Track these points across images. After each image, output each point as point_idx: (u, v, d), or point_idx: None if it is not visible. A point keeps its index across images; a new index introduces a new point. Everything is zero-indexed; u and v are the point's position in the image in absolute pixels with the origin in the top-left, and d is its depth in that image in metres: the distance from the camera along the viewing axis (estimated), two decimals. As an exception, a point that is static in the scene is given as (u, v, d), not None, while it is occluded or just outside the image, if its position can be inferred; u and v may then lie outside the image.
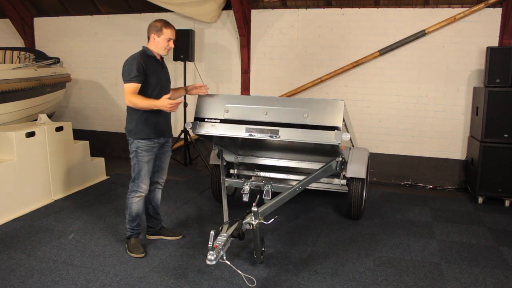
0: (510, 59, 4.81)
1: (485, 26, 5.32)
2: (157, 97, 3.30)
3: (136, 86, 3.21)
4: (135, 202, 3.46)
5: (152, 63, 3.34)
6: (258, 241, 3.15)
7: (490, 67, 4.87)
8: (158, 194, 3.71)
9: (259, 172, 4.77)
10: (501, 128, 4.85)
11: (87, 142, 5.49)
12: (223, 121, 3.60)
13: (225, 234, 2.97)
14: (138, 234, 3.55)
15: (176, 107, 3.21)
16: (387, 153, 5.92)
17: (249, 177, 4.82)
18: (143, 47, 3.40)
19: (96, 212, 4.43)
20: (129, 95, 3.20)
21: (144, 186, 3.45)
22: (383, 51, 5.64)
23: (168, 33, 3.32)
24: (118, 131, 7.09)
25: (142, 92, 3.26)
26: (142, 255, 3.41)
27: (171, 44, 3.37)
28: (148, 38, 3.37)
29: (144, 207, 3.69)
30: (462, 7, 5.35)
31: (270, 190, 4.01)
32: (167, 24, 3.34)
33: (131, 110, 3.33)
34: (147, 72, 3.27)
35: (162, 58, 3.51)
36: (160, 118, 3.42)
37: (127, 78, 3.20)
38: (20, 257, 3.37)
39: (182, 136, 6.28)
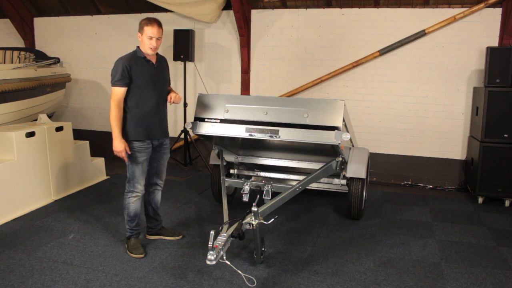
0: (510, 59, 4.81)
1: (485, 26, 5.32)
2: (149, 97, 3.31)
3: (120, 90, 3.22)
4: (132, 203, 3.44)
5: (141, 64, 3.28)
6: (258, 241, 3.15)
7: (490, 67, 4.87)
8: (158, 195, 3.70)
9: (259, 172, 4.76)
10: (501, 128, 4.85)
11: (87, 142, 5.49)
12: (223, 121, 3.60)
13: (225, 234, 2.97)
14: (138, 234, 3.55)
15: (122, 156, 3.26)
16: (387, 153, 5.92)
17: (249, 177, 4.81)
18: (137, 47, 3.36)
19: (96, 212, 4.43)
20: (113, 100, 3.21)
21: (140, 187, 3.43)
22: (383, 51, 5.64)
23: (148, 31, 3.21)
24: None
25: (132, 93, 3.27)
26: (142, 255, 3.41)
27: (153, 43, 3.24)
28: None
29: (144, 208, 3.69)
30: (462, 7, 5.35)
31: (270, 190, 4.01)
32: (149, 21, 3.24)
33: (124, 110, 3.30)
34: (133, 74, 3.23)
35: (159, 57, 3.44)
36: (154, 120, 3.39)
37: (112, 81, 3.23)
38: (20, 257, 3.37)
39: (182, 136, 6.28)
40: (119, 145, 3.23)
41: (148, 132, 3.37)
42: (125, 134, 3.30)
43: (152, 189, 3.64)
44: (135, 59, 3.29)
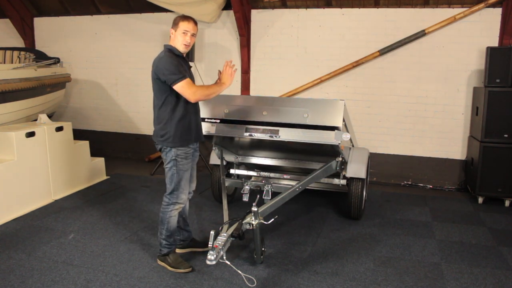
0: (510, 59, 4.80)
1: (485, 26, 5.32)
2: (188, 102, 3.06)
3: (188, 80, 2.95)
4: (174, 216, 3.21)
5: (182, 63, 3.07)
6: (258, 241, 3.15)
7: (490, 67, 4.87)
8: (188, 204, 3.52)
9: (259, 172, 4.77)
10: (501, 128, 4.85)
11: (87, 142, 5.49)
12: (223, 121, 3.60)
13: (225, 234, 2.97)
14: (175, 249, 3.33)
15: (234, 69, 3.13)
16: (387, 153, 5.92)
17: (249, 177, 4.81)
18: (165, 45, 3.10)
19: (96, 212, 4.43)
20: (191, 89, 2.93)
21: (184, 197, 3.22)
22: (383, 51, 5.64)
23: (183, 26, 3.01)
24: (118, 131, 7.09)
25: (174, 97, 3.00)
26: (190, 268, 3.19)
27: (188, 38, 3.03)
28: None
29: None
30: (462, 7, 5.35)
31: (270, 190, 4.01)
32: (184, 17, 3.06)
33: (165, 115, 3.04)
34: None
35: (186, 56, 3.23)
36: (196, 121, 3.17)
37: (177, 77, 2.90)
38: (20, 257, 3.37)
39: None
40: (228, 80, 3.10)
41: (192, 136, 3.15)
42: (171, 141, 3.05)
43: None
44: (176, 57, 3.04)
